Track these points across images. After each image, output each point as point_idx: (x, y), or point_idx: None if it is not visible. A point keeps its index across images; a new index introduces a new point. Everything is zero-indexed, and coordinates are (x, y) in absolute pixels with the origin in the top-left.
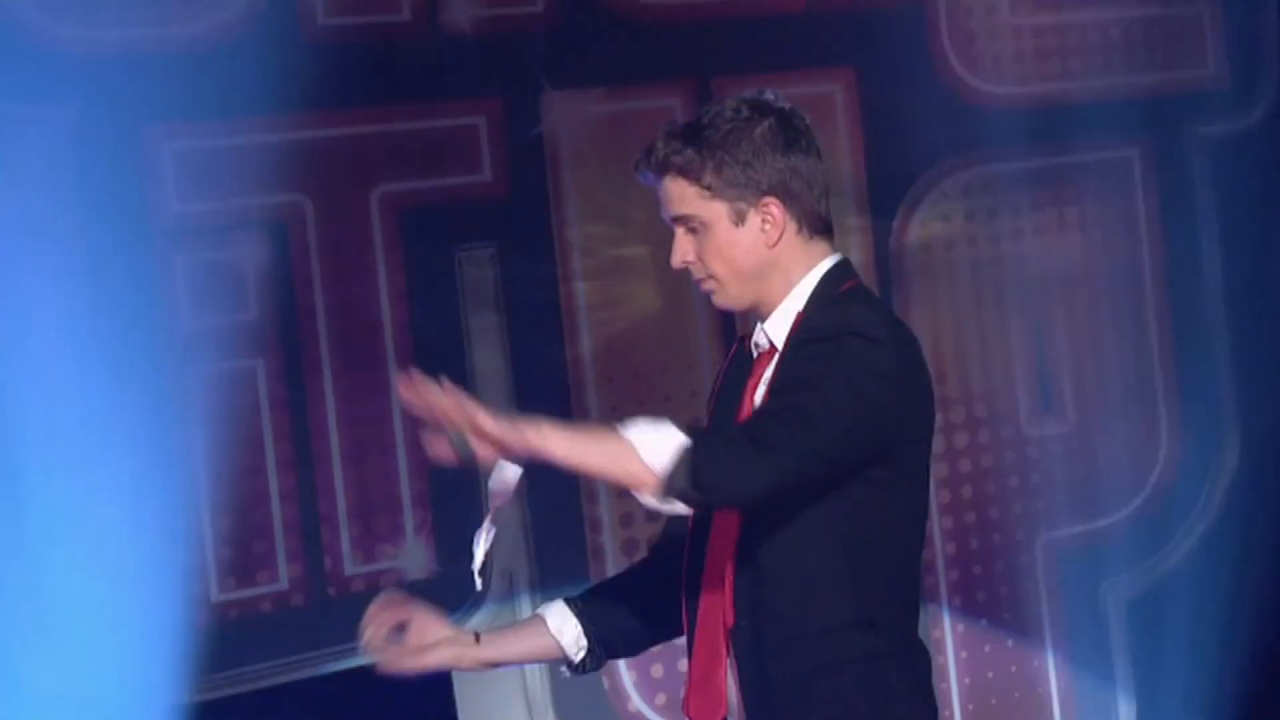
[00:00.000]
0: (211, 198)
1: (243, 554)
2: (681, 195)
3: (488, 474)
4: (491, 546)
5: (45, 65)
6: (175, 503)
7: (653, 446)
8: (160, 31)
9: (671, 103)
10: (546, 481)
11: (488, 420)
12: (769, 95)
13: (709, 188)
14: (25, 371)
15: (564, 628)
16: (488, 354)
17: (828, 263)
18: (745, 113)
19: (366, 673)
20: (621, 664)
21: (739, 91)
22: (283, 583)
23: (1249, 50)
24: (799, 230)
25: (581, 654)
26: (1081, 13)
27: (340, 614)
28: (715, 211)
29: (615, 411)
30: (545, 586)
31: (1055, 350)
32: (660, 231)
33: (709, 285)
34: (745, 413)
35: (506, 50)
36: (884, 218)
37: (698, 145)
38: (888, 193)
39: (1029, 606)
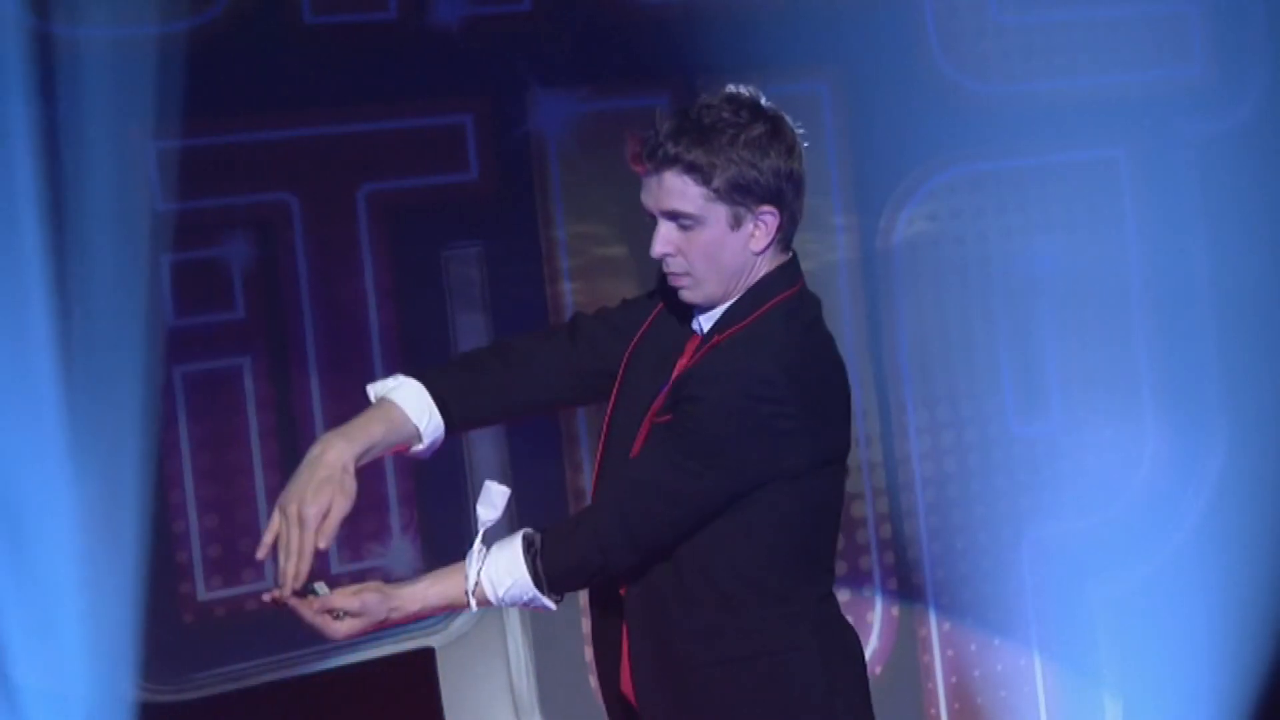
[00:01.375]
0: (198, 196)
1: (229, 552)
2: (684, 192)
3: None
4: (482, 567)
5: (30, 63)
6: (163, 500)
7: (500, 565)
8: (148, 30)
9: (658, 101)
10: (533, 480)
11: (341, 628)
12: (760, 97)
13: (716, 190)
14: (12, 369)
15: (409, 400)
16: None
17: (775, 268)
18: (745, 116)
19: (353, 672)
20: None
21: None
22: (269, 581)
23: (1235, 49)
24: (780, 238)
25: (429, 420)
26: (1069, 12)
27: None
28: (715, 214)
29: (598, 410)
30: None
31: (1041, 349)
32: (647, 231)
33: (683, 281)
34: (660, 395)
35: (493, 49)
36: (871, 216)
37: (709, 147)
38: (875, 191)
39: (1015, 605)
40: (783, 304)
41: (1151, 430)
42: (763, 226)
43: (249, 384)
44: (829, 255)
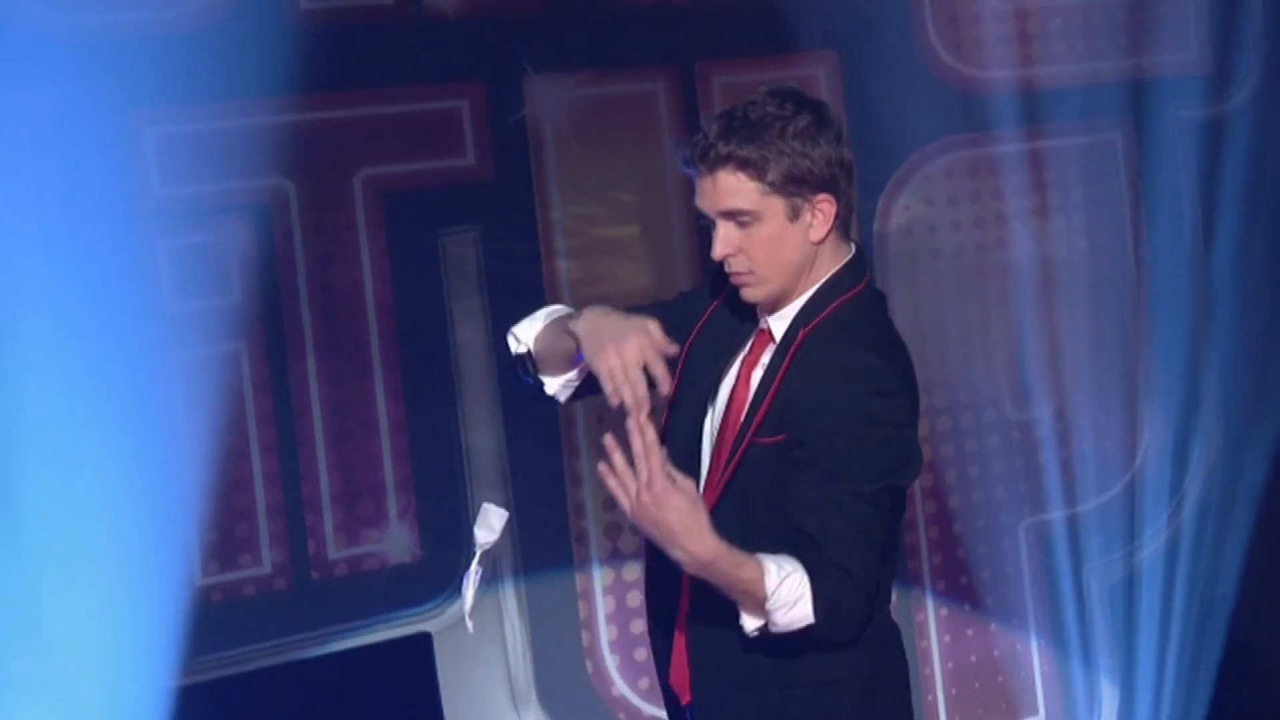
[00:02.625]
0: (195, 181)
1: (226, 538)
2: (739, 190)
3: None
4: (479, 587)
5: (29, 50)
6: (159, 486)
7: (785, 614)
8: (144, 16)
9: (655, 87)
10: (530, 466)
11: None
12: (791, 87)
13: (771, 184)
14: (10, 355)
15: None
16: (471, 336)
17: (841, 261)
18: (790, 108)
19: (350, 657)
20: (605, 648)
21: (724, 75)
22: (266, 566)
23: (1231, 34)
24: (838, 226)
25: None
26: None
27: (323, 597)
28: (772, 207)
29: (597, 395)
30: (528, 571)
31: (1038, 335)
32: (643, 213)
33: (747, 279)
34: (740, 392)
35: (489, 34)
36: (868, 201)
37: (759, 142)
38: (871, 177)
39: (1012, 591)
40: (854, 300)
41: (1148, 416)
42: (820, 215)
43: (246, 368)
44: None
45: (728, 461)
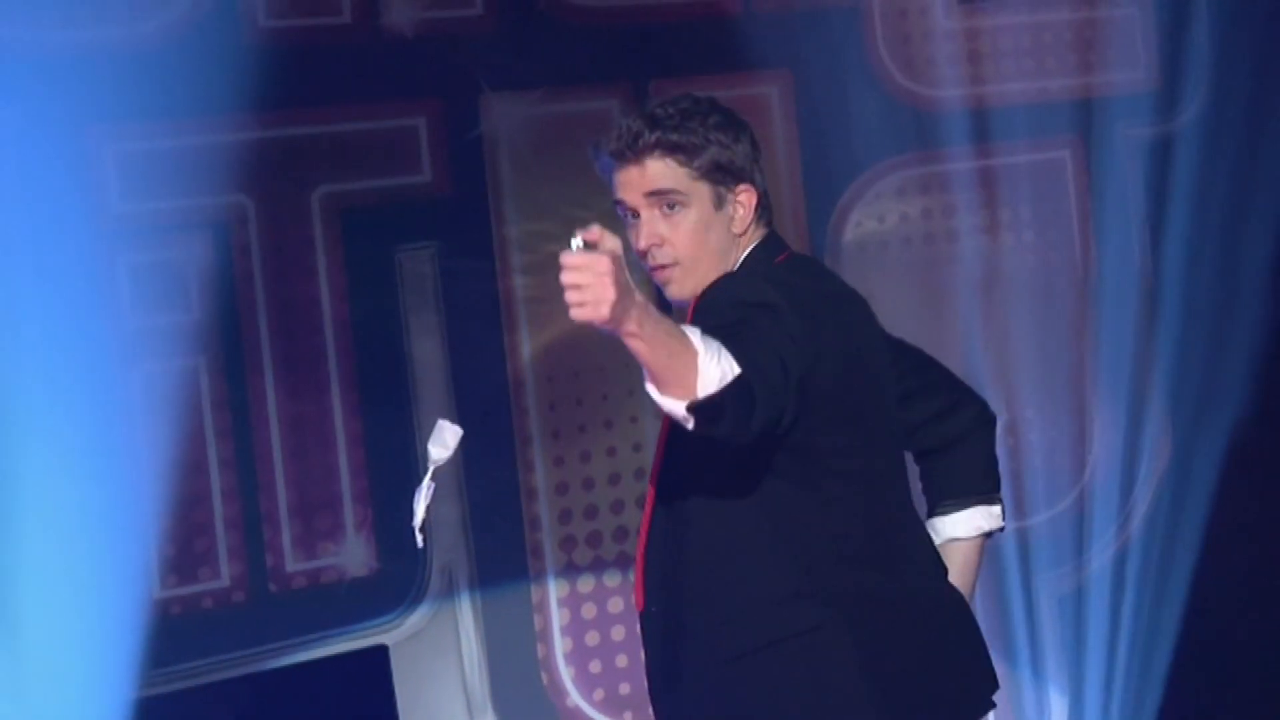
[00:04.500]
0: (155, 198)
1: (185, 551)
2: (668, 173)
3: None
4: (430, 503)
5: None
6: (119, 500)
7: (709, 373)
8: (104, 33)
9: (609, 104)
10: (486, 480)
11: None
12: (702, 94)
13: (699, 168)
14: None
15: None
16: (428, 351)
17: (753, 246)
18: (706, 107)
19: (308, 669)
20: (560, 660)
21: (678, 92)
22: (225, 579)
23: (1179, 53)
24: (758, 219)
25: None
26: (1014, 16)
27: (281, 610)
28: (700, 192)
29: (554, 409)
30: (484, 583)
31: (988, 348)
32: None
33: (668, 274)
34: None
35: (446, 53)
36: (820, 218)
37: (686, 129)
38: (824, 193)
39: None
40: (775, 266)
41: (1097, 429)
42: (741, 207)
43: (204, 383)
44: None
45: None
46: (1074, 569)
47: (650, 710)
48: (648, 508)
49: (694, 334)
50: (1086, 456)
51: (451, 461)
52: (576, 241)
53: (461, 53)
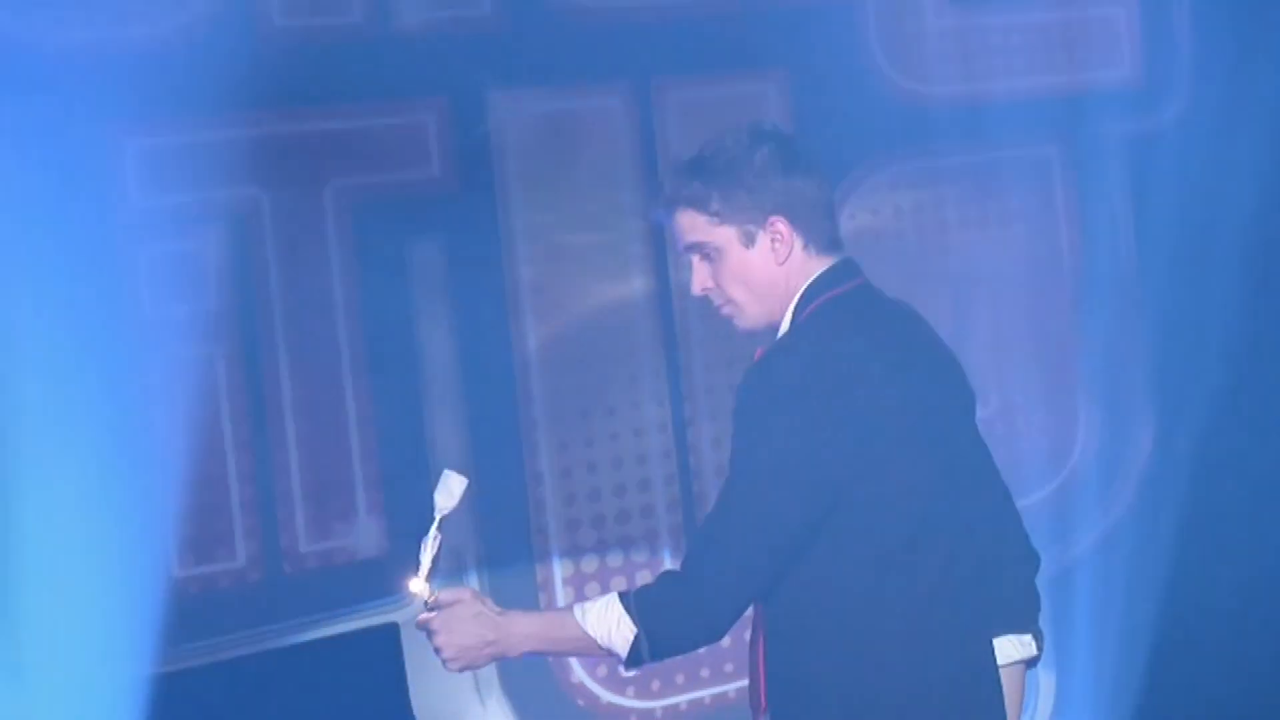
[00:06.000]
0: (172, 192)
1: (202, 532)
2: (692, 225)
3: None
4: (437, 554)
5: (11, 64)
6: (138, 483)
7: (609, 637)
8: (123, 32)
9: (612, 102)
10: (493, 463)
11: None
12: (766, 124)
13: (716, 214)
14: None
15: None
16: (437, 338)
17: (821, 271)
18: (745, 140)
19: (321, 646)
20: None
21: (678, 90)
22: (240, 559)
23: (1162, 52)
24: (805, 247)
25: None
26: (1003, 16)
27: (295, 589)
28: (725, 236)
29: (559, 395)
30: (491, 563)
31: (979, 338)
32: (602, 221)
33: (728, 310)
34: None
35: (454, 51)
36: None
37: (703, 177)
38: None
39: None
40: (821, 306)
41: (1082, 418)
42: (779, 237)
43: (221, 371)
44: None
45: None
46: (1059, 552)
47: (651, 684)
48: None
49: (585, 612)
50: (1071, 443)
51: (459, 509)
52: (420, 600)
53: (469, 52)
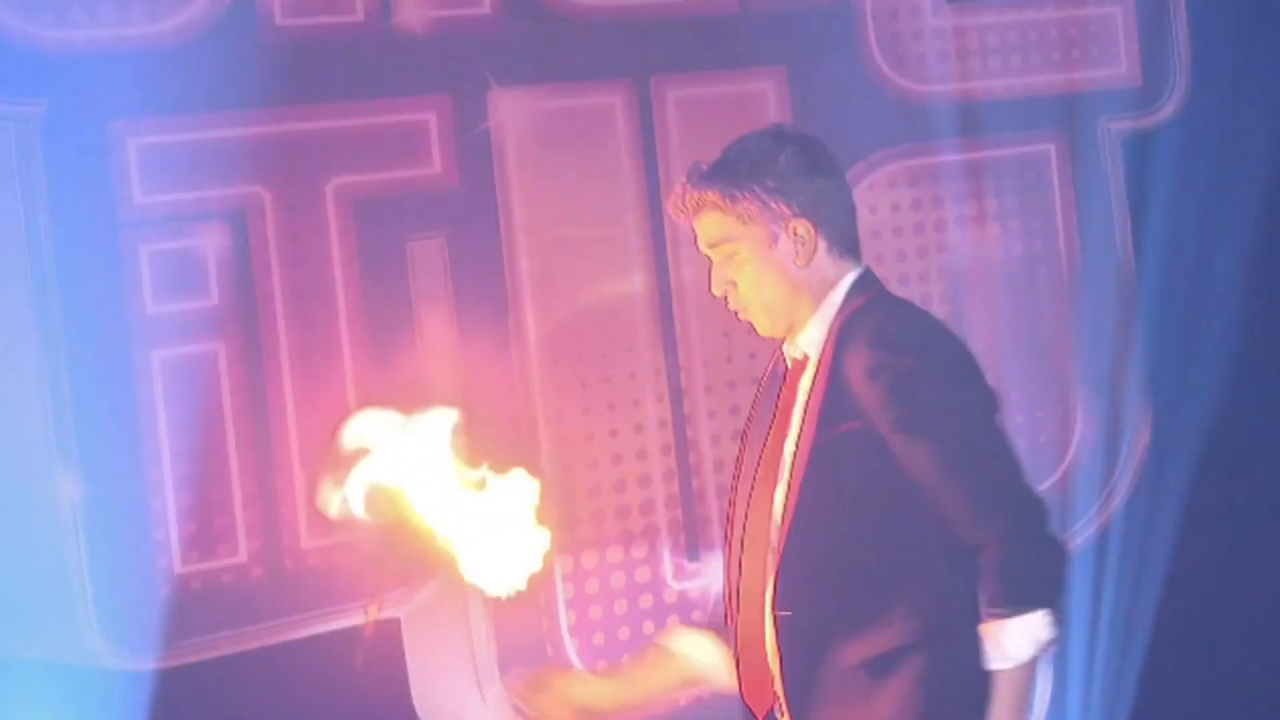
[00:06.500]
0: (175, 190)
1: (205, 528)
2: (717, 225)
3: None
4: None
5: (15, 63)
6: (142, 479)
7: (1032, 645)
8: (125, 31)
9: (612, 100)
10: (494, 460)
11: None
12: (788, 127)
13: (742, 214)
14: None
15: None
16: (438, 337)
17: (853, 275)
18: (768, 144)
19: (322, 640)
20: (565, 633)
21: (678, 89)
22: (242, 555)
23: (1159, 50)
24: (829, 249)
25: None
26: (1000, 14)
27: (297, 585)
28: (750, 235)
29: (559, 392)
30: None
31: (976, 335)
32: (602, 217)
33: (747, 316)
34: (786, 431)
35: (455, 49)
36: None
37: (728, 178)
38: None
39: None
40: (872, 298)
41: (1079, 414)
42: (802, 239)
43: (223, 368)
44: None
45: (796, 463)
46: None
47: None
48: (788, 518)
49: (990, 653)
50: (1069, 439)
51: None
52: None
53: (470, 50)
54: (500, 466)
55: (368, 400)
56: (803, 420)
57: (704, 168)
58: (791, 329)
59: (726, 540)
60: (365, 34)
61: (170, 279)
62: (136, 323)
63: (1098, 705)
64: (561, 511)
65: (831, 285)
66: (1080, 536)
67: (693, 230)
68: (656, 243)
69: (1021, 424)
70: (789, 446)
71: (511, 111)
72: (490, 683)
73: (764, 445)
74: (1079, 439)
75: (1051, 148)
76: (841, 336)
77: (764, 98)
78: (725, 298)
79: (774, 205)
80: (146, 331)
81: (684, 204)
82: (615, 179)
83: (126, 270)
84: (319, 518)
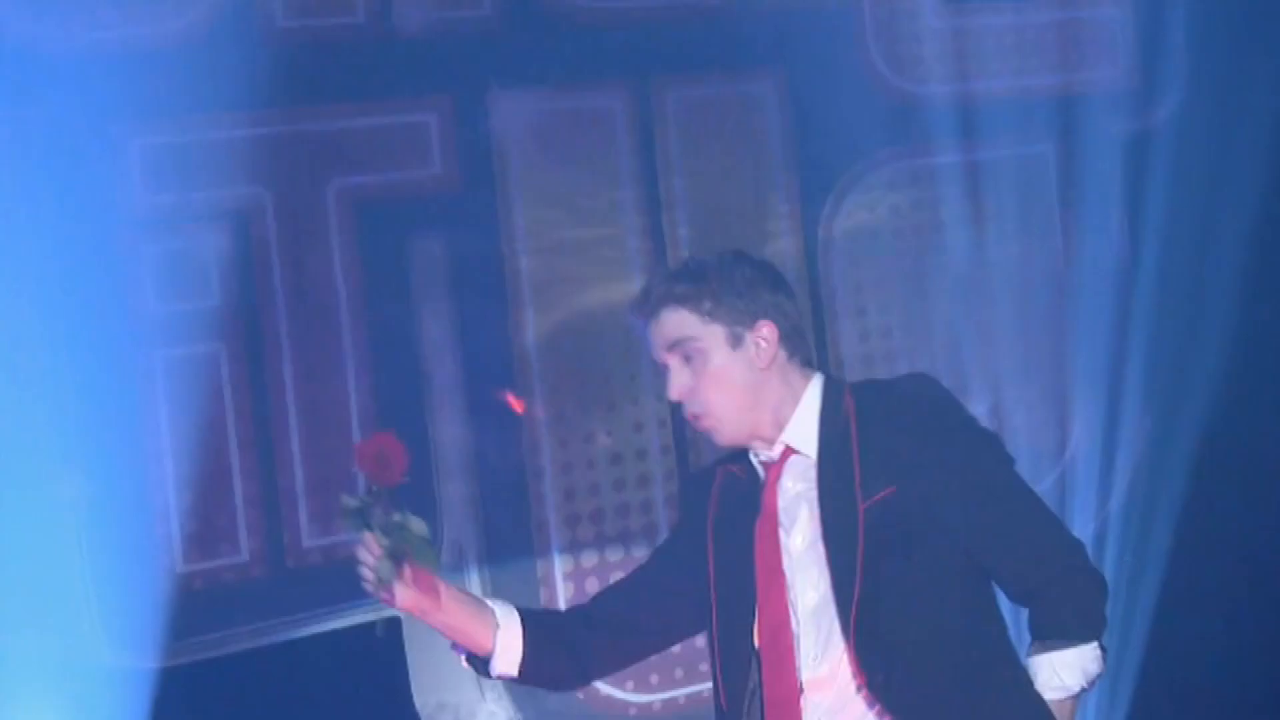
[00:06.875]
0: (178, 190)
1: (207, 527)
2: (681, 322)
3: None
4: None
5: (19, 65)
6: (143, 479)
7: (1077, 673)
8: (130, 33)
9: (612, 101)
10: (494, 459)
11: None
12: (746, 252)
13: (708, 313)
14: (4, 353)
15: (508, 631)
16: (438, 336)
17: (819, 378)
18: (729, 259)
19: (323, 640)
20: None
21: (677, 90)
22: (244, 555)
23: (1156, 52)
24: (789, 357)
25: (510, 660)
26: (999, 16)
27: (298, 584)
28: (713, 335)
29: (558, 392)
30: (493, 558)
31: (975, 333)
32: (601, 217)
33: (706, 423)
34: (781, 526)
35: (455, 51)
36: (813, 208)
37: (695, 278)
38: (817, 185)
39: None
40: (854, 388)
41: (1077, 415)
42: (765, 341)
43: (225, 367)
44: (774, 245)
45: (853, 533)
46: None
47: (650, 677)
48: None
49: (1039, 681)
50: (1066, 439)
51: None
52: None
53: (470, 52)
54: (499, 466)
55: (369, 400)
56: (821, 508)
57: (671, 273)
58: (756, 437)
59: (716, 646)
60: (367, 36)
61: (173, 279)
62: (139, 323)
63: (1096, 705)
64: (562, 511)
65: (797, 390)
66: (1080, 533)
67: (651, 333)
68: (656, 243)
69: (1019, 422)
70: (796, 541)
71: (511, 112)
72: (490, 682)
73: (756, 549)
74: (1076, 440)
75: (1050, 149)
76: (863, 416)
77: (763, 99)
78: (681, 403)
79: (740, 306)
80: (149, 331)
81: (647, 300)
82: (615, 180)
83: (129, 271)
84: (320, 517)
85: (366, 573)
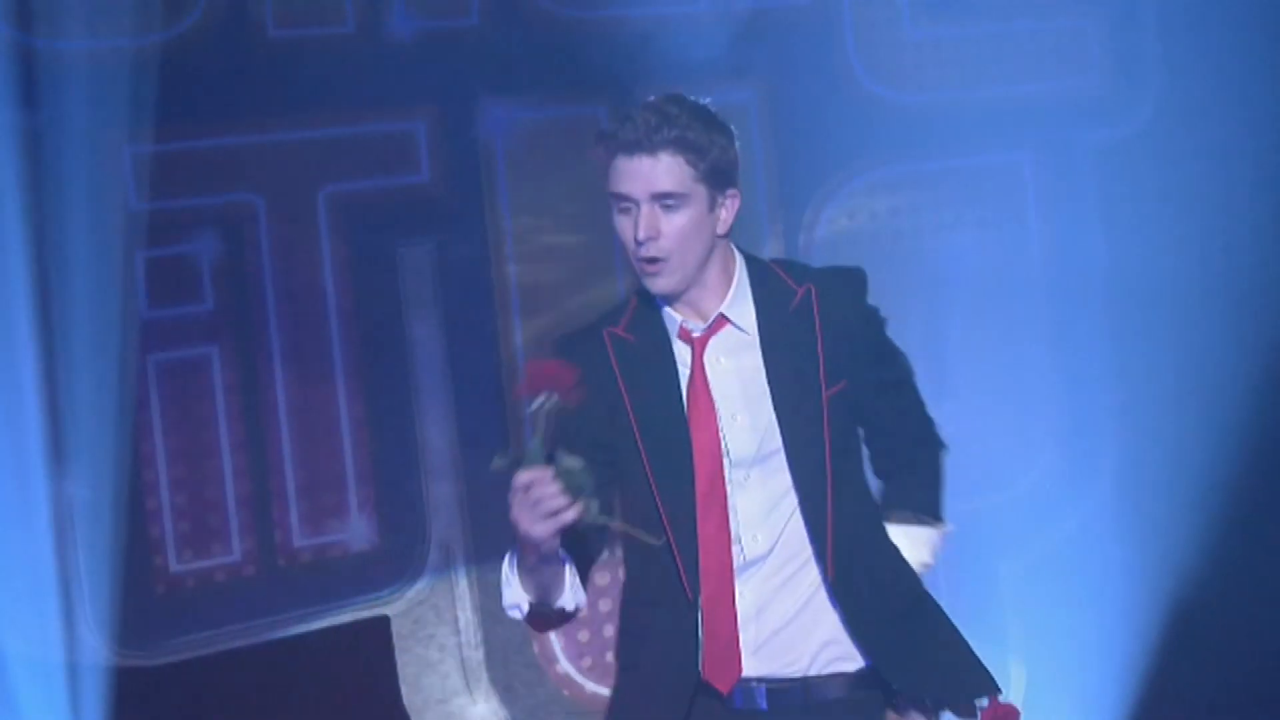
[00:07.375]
0: (170, 197)
1: (199, 527)
2: (678, 176)
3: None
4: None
5: (18, 74)
6: (136, 480)
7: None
8: (120, 42)
9: (597, 110)
10: (481, 459)
11: None
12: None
13: (703, 171)
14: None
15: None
16: (426, 340)
17: (743, 256)
18: (705, 108)
19: (314, 638)
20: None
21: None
22: (236, 554)
23: (1130, 62)
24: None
25: (579, 596)
26: (976, 26)
27: (289, 583)
28: (698, 194)
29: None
30: (480, 558)
31: (952, 339)
32: (587, 223)
33: (657, 268)
34: (719, 407)
35: (444, 60)
36: (795, 216)
37: (700, 127)
38: (798, 192)
39: (926, 578)
40: (787, 264)
41: (1054, 416)
42: (727, 210)
43: (217, 371)
44: (756, 252)
45: (816, 424)
46: (1035, 547)
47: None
48: (830, 493)
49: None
50: (1042, 441)
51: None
52: None
53: (458, 61)
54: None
55: (358, 403)
56: (775, 392)
57: (673, 110)
58: (686, 293)
59: (664, 518)
60: (357, 45)
61: (165, 284)
62: (133, 326)
63: (1073, 706)
64: None
65: (731, 265)
66: (1054, 538)
67: (626, 164)
68: None
69: (996, 425)
70: (739, 420)
71: (498, 120)
72: (478, 680)
73: (691, 423)
74: (1053, 440)
75: (1026, 157)
76: (826, 302)
77: (746, 108)
78: (641, 242)
79: (726, 170)
80: (142, 335)
81: (653, 137)
82: (600, 188)
83: (123, 275)
84: (311, 517)
85: (556, 502)
